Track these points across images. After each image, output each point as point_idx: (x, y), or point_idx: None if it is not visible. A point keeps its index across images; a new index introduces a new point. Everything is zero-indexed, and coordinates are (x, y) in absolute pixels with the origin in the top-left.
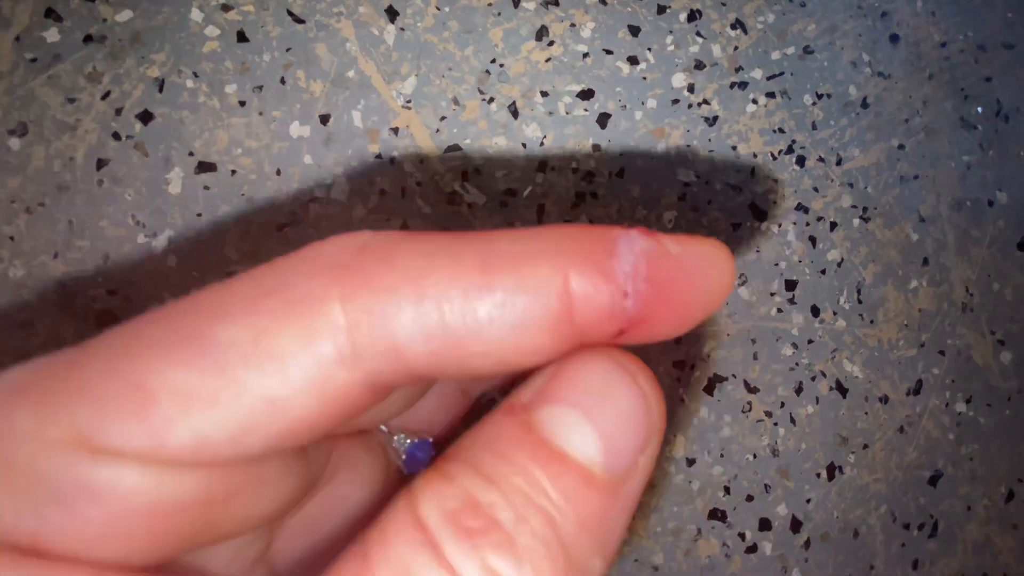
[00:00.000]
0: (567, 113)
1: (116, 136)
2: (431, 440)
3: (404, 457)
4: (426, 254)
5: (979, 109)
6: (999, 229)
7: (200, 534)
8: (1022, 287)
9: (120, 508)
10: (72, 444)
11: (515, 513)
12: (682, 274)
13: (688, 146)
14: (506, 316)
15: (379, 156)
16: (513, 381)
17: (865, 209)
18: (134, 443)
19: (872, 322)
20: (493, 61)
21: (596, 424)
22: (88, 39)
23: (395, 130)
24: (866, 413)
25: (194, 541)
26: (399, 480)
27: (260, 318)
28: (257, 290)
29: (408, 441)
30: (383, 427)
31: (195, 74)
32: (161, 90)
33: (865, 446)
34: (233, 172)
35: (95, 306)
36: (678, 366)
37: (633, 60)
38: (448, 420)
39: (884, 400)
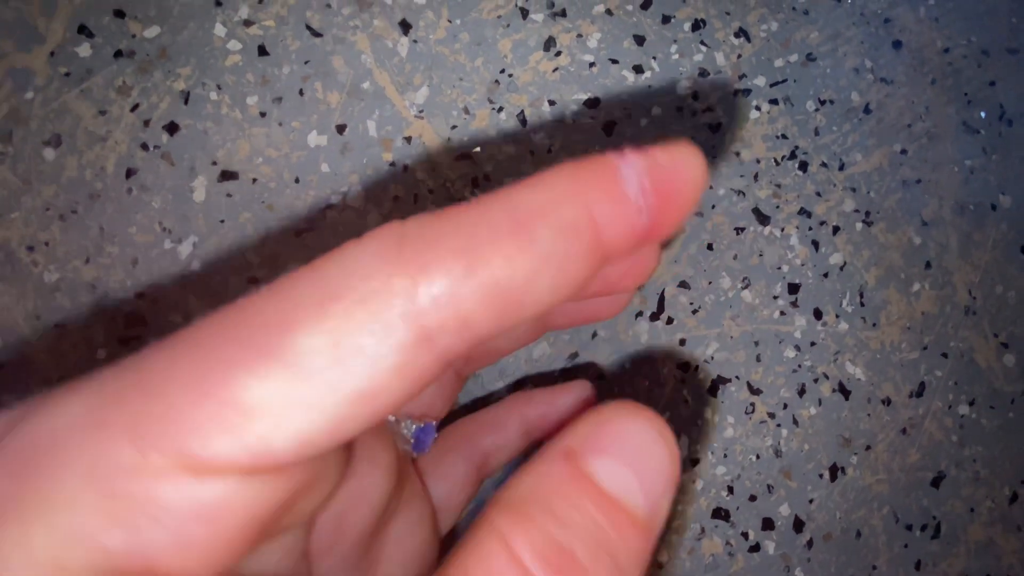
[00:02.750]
0: (574, 121)
1: (144, 146)
2: (435, 423)
3: (413, 441)
4: (464, 229)
5: (982, 114)
6: (1002, 232)
7: (273, 530)
8: None
9: (223, 522)
10: (179, 469)
11: (590, 551)
12: (673, 179)
13: None
14: (551, 262)
15: (393, 164)
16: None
17: (867, 213)
18: (240, 457)
19: (874, 325)
20: (502, 71)
21: (639, 476)
22: (118, 54)
23: (408, 139)
24: (868, 415)
25: (266, 537)
26: (404, 461)
27: (336, 322)
28: (323, 293)
29: (414, 426)
30: (390, 416)
31: (218, 87)
32: (186, 102)
33: (868, 447)
34: (254, 180)
35: (124, 308)
36: (682, 368)
37: (638, 69)
38: (444, 402)
39: (887, 402)
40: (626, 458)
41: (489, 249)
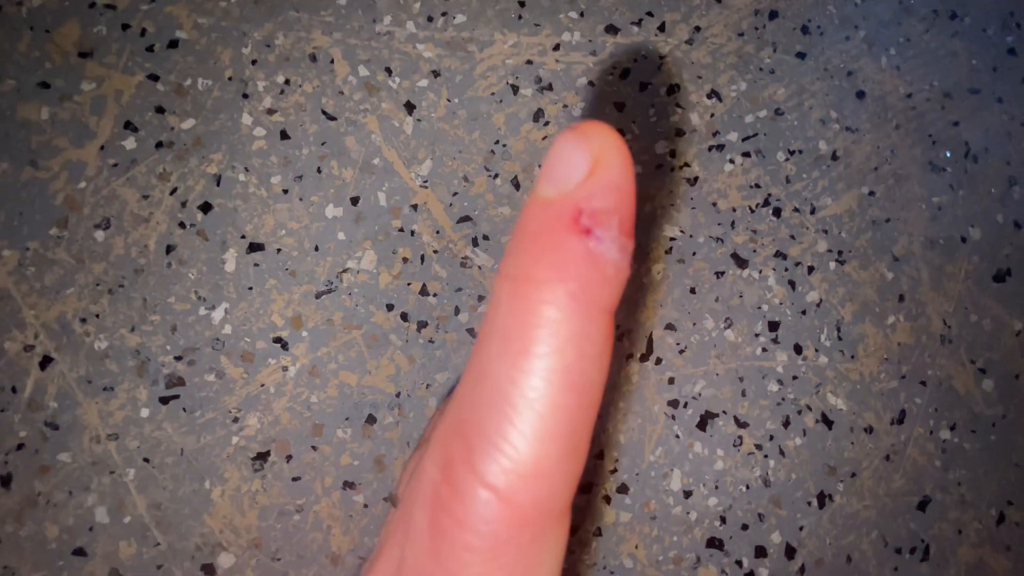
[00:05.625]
0: None
1: (182, 225)
2: None
3: None
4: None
5: (947, 153)
6: (974, 264)
7: None
8: (1000, 317)
9: None
10: None
11: None
12: (629, 200)
13: (672, 205)
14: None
15: (401, 230)
16: None
17: (840, 253)
18: None
19: (853, 357)
20: (497, 142)
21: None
22: (159, 145)
23: (414, 207)
24: (852, 443)
25: None
26: None
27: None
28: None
29: None
30: None
31: (246, 169)
32: (218, 184)
33: (853, 475)
34: (278, 250)
35: (165, 371)
36: (672, 405)
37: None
38: None
39: (869, 430)
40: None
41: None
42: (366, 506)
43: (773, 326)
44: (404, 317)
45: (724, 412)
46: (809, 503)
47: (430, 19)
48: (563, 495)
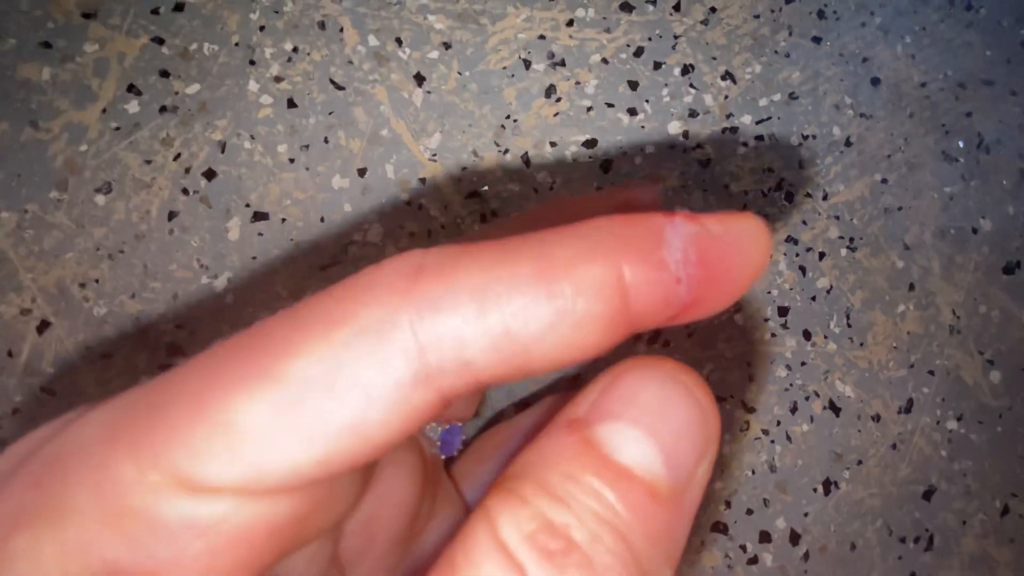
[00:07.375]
0: (573, 161)
1: (185, 191)
2: (460, 425)
3: (440, 444)
4: (483, 268)
5: (960, 143)
6: (984, 255)
7: (288, 546)
8: (1009, 309)
9: (223, 538)
10: (174, 486)
11: (590, 533)
12: (727, 252)
13: (684, 187)
14: (567, 319)
15: (409, 203)
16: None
17: (852, 240)
18: (230, 479)
19: (862, 345)
20: (508, 117)
21: (657, 439)
22: (163, 109)
23: (423, 180)
24: (859, 431)
25: (284, 553)
26: (435, 464)
27: (334, 350)
28: (327, 320)
29: (440, 429)
30: None
31: (252, 136)
32: (223, 151)
33: (859, 462)
34: (283, 220)
35: (165, 339)
36: None
37: (632, 111)
38: (469, 404)
39: (876, 419)
40: (642, 420)
41: (505, 294)
42: None
43: (783, 311)
44: None
45: (731, 396)
46: (815, 490)
47: None
48: None
